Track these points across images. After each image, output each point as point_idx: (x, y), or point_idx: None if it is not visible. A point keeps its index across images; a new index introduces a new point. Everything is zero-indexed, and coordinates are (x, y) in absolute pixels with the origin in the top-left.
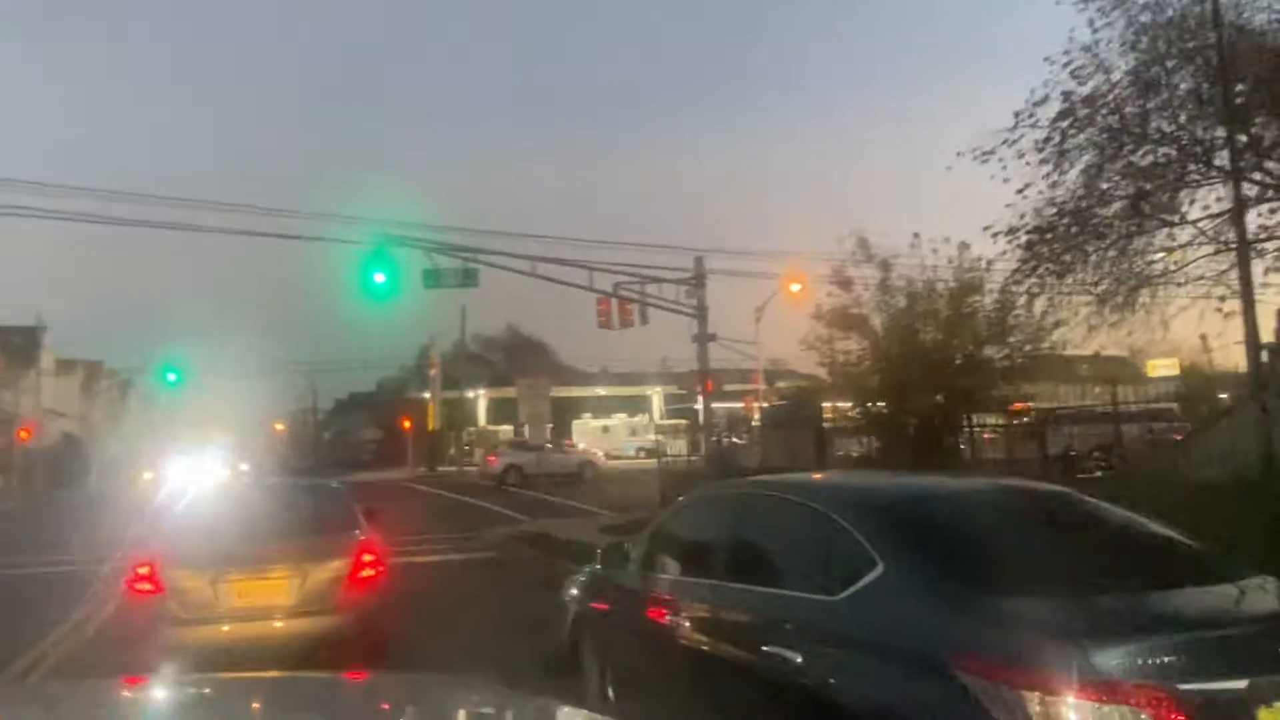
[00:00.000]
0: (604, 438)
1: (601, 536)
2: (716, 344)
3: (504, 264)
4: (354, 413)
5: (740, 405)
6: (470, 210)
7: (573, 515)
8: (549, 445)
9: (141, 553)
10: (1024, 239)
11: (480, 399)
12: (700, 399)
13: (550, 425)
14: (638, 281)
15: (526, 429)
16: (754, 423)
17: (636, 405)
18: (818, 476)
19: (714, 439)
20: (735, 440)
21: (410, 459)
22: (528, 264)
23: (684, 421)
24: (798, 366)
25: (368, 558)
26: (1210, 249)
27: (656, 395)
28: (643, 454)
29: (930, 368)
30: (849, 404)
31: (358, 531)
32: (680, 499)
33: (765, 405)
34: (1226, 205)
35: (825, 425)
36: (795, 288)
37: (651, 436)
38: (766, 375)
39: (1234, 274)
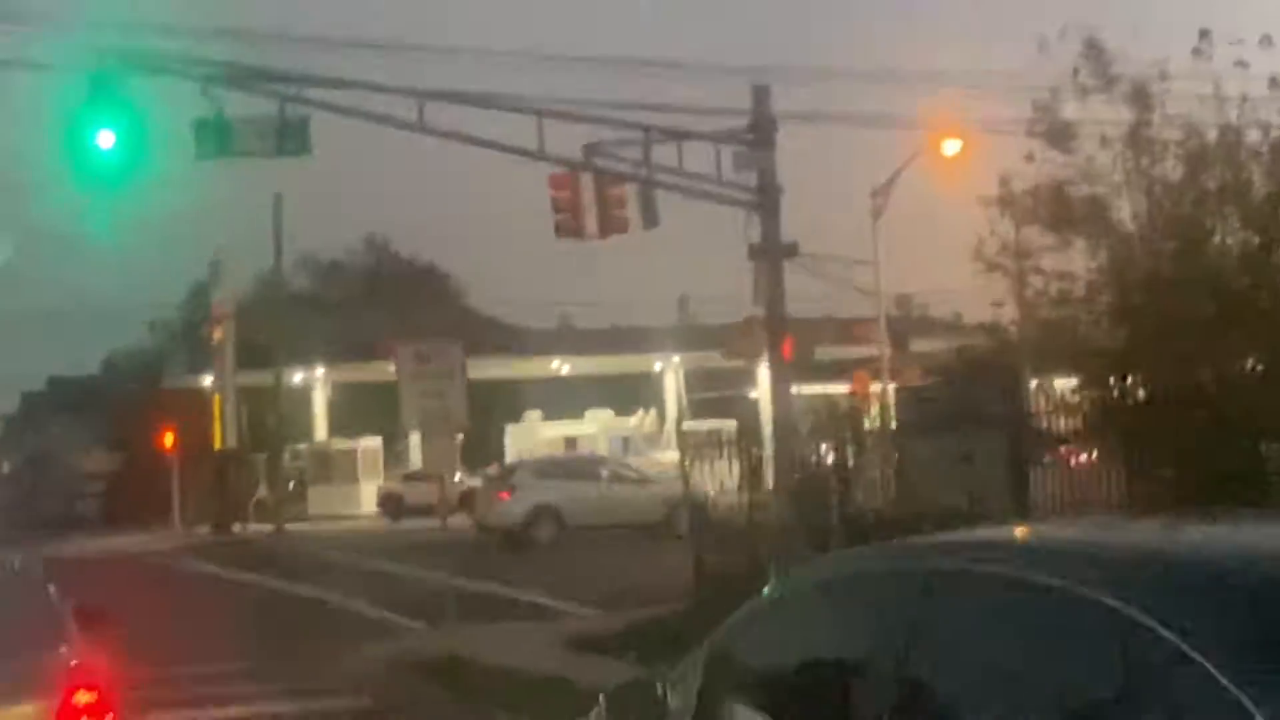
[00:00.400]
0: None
1: (576, 660)
2: (795, 265)
3: (359, 106)
4: (57, 418)
5: (844, 389)
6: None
7: (514, 614)
8: (460, 477)
9: None
10: None
11: (318, 386)
12: (764, 375)
13: (460, 436)
14: (636, 140)
15: (416, 446)
16: (871, 421)
17: (631, 390)
18: (1074, 530)
19: (801, 457)
20: (847, 458)
21: (177, 510)
22: (410, 105)
23: (727, 424)
24: (960, 310)
25: (84, 698)
26: None
27: (672, 371)
28: (648, 484)
29: (1235, 306)
30: (1068, 379)
31: (64, 649)
32: (771, 590)
33: (897, 388)
34: None
35: (1029, 422)
36: (950, 148)
37: (662, 453)
38: (892, 330)
39: None
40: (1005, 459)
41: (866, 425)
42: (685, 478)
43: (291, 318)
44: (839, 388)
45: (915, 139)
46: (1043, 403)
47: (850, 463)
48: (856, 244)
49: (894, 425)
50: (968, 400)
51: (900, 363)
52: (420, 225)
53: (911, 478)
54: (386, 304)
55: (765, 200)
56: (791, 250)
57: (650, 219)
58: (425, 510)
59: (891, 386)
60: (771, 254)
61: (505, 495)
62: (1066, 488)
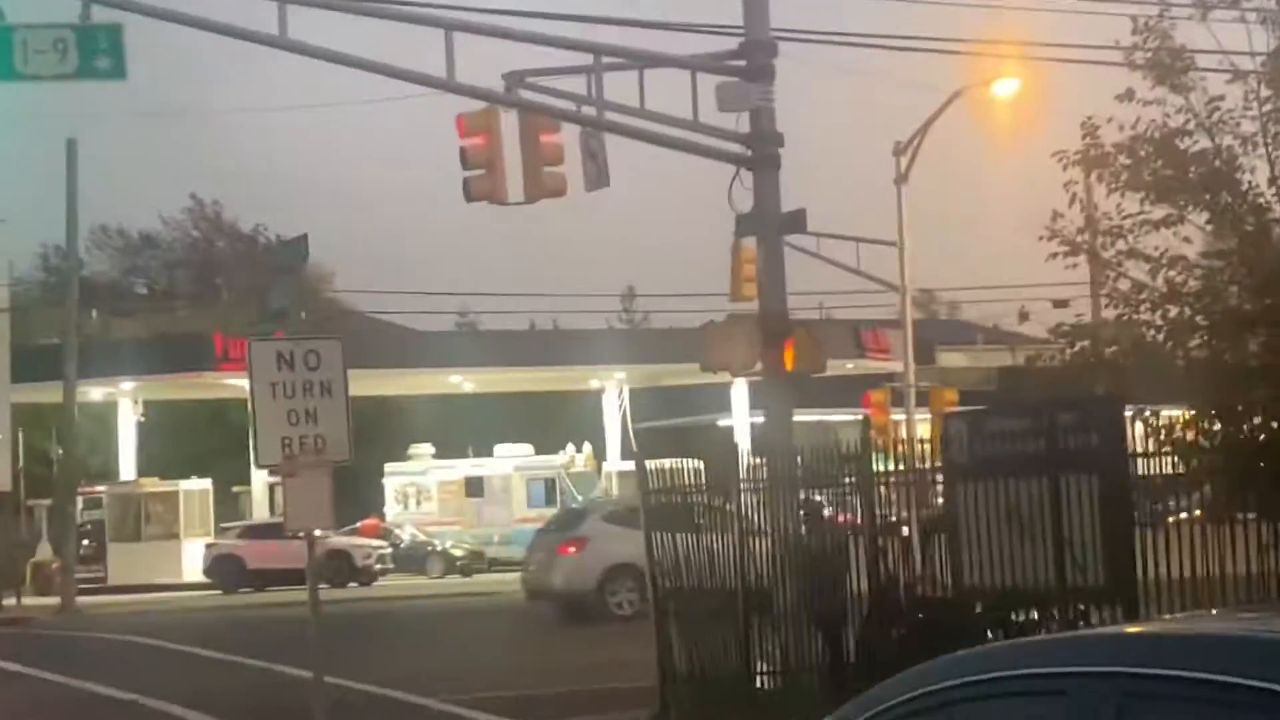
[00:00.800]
0: (461, 506)
1: None
2: (794, 251)
3: (195, 12)
4: None
5: (856, 414)
6: None
7: None
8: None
9: None
10: None
11: (124, 405)
12: (740, 397)
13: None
14: (581, 67)
15: (262, 489)
16: (896, 458)
17: (557, 417)
18: None
19: (802, 509)
20: (875, 514)
21: None
22: (270, 11)
23: (690, 465)
24: (1003, 311)
25: None
26: None
27: (614, 391)
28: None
29: None
30: (1179, 409)
31: None
32: None
33: (945, 415)
34: None
35: (1133, 467)
36: (1004, 88)
37: (594, 498)
38: (922, 338)
39: None
40: (1102, 515)
41: (891, 466)
42: (648, 538)
43: (89, 310)
44: (847, 412)
45: (956, 75)
46: (1147, 440)
47: (879, 520)
48: (870, 219)
49: (944, 465)
50: (1047, 435)
51: (939, 378)
52: (267, 187)
53: (967, 541)
54: (218, 294)
55: (760, 152)
56: (796, 221)
57: (597, 176)
58: (274, 578)
59: (924, 415)
60: (769, 226)
61: (570, 549)
62: (1189, 553)
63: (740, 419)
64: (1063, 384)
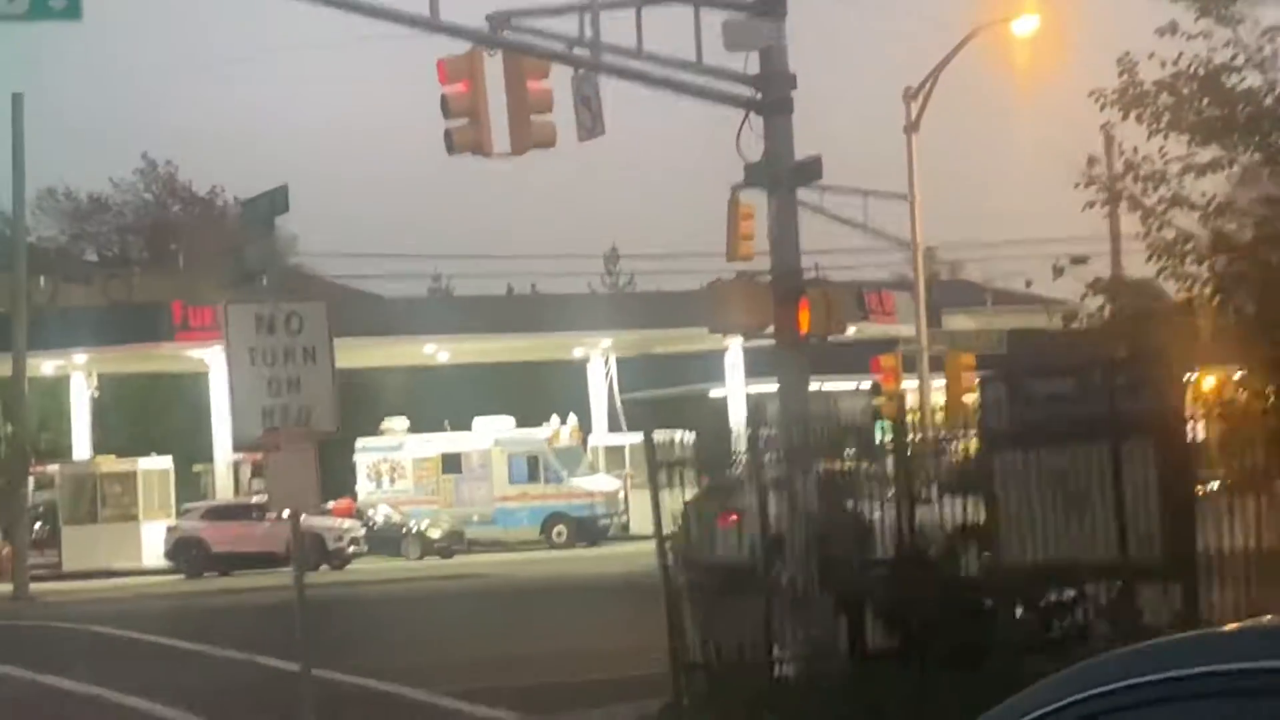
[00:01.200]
0: (438, 483)
1: None
2: (807, 205)
3: None
4: None
5: (866, 380)
6: None
7: None
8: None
9: None
10: None
11: (77, 379)
12: (734, 365)
13: (311, 450)
14: (574, 4)
15: (225, 467)
16: (915, 428)
17: (539, 388)
18: None
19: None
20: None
21: None
22: None
23: (678, 437)
24: (1009, 270)
25: None
26: None
27: (599, 359)
28: (560, 536)
29: None
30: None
31: None
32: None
33: (983, 380)
34: None
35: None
36: (1023, 25)
37: (585, 478)
38: (933, 294)
39: None
40: (1159, 486)
41: (909, 435)
42: (658, 515)
43: (37, 278)
44: (859, 379)
45: (969, 19)
46: (1198, 406)
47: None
48: (875, 169)
49: (980, 431)
50: (1106, 397)
51: (952, 341)
52: (223, 144)
53: (1012, 516)
54: (174, 260)
55: (771, 95)
56: (810, 170)
57: (591, 125)
58: (239, 561)
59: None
60: (781, 176)
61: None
62: (1245, 527)
63: (735, 388)
64: (1088, 345)
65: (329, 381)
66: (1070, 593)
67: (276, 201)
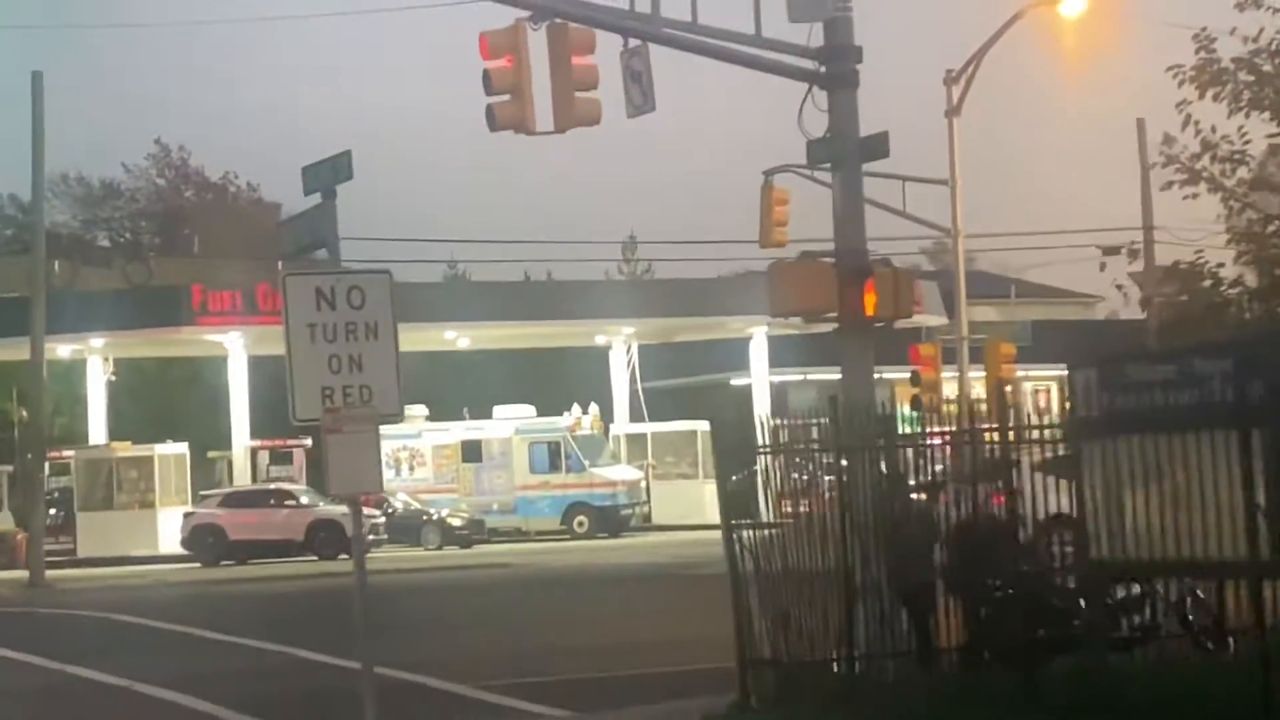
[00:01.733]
0: (458, 471)
1: None
2: (822, 188)
3: None
4: None
5: (905, 371)
6: None
7: None
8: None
9: None
10: None
11: (93, 363)
12: (759, 353)
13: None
14: None
15: (243, 454)
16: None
17: (557, 376)
18: None
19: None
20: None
21: None
22: None
23: (694, 427)
24: (1028, 263)
25: None
26: None
27: (621, 347)
28: (582, 526)
29: None
30: None
31: None
32: None
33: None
34: None
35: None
36: (1071, 6)
37: (608, 467)
38: (944, 289)
39: None
40: None
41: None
42: (725, 506)
43: (53, 261)
44: (896, 370)
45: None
46: None
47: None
48: (912, 154)
49: (1069, 425)
50: (1234, 382)
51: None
52: (237, 129)
53: (1120, 507)
54: (187, 245)
55: (835, 68)
56: (877, 146)
57: (641, 100)
58: (257, 549)
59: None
60: (846, 152)
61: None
62: None
63: (759, 377)
64: (1143, 336)
65: (392, 360)
66: (1137, 589)
67: (340, 168)
